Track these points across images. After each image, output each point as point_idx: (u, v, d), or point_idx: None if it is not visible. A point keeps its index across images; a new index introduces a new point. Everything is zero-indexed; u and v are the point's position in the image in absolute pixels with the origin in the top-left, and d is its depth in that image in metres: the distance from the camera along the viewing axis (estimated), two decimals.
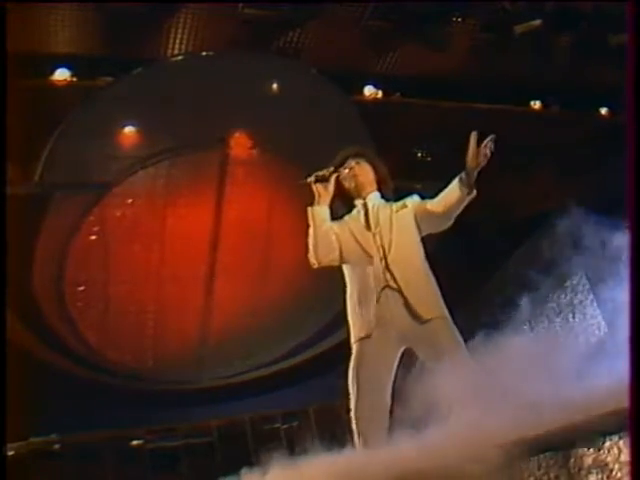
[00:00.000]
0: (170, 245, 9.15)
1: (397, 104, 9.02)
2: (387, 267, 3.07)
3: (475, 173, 3.02)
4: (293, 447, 2.58)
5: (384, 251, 3.10)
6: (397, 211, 3.20)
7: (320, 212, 3.18)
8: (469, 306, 7.68)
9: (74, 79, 7.93)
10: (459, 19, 8.23)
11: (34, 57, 7.47)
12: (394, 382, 3.02)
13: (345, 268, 3.21)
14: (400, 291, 3.03)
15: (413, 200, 3.25)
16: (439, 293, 3.10)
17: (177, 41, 8.00)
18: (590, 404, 2.02)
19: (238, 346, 9.42)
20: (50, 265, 8.70)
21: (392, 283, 3.05)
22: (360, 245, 3.15)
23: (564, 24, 8.46)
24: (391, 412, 2.96)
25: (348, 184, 3.27)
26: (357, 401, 2.99)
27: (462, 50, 8.69)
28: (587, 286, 7.89)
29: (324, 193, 3.19)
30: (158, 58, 8.15)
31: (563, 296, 8.10)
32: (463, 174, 3.03)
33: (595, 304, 7.58)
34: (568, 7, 8.43)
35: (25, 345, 8.18)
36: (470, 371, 2.73)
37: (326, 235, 3.15)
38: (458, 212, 3.10)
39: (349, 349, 3.10)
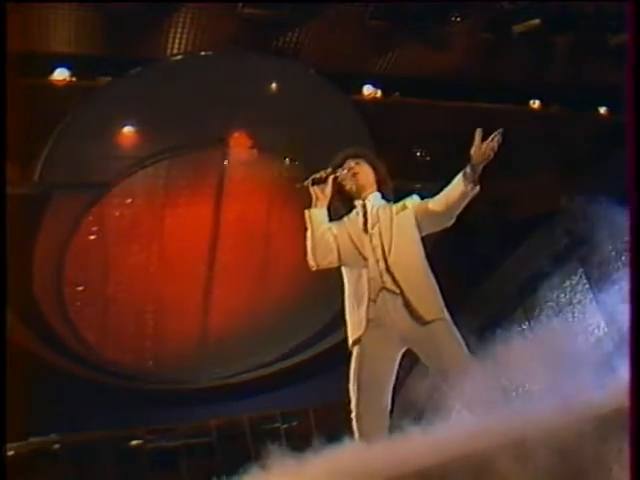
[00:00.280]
0: (169, 245, 9.15)
1: (396, 104, 9.02)
2: (388, 269, 3.07)
3: (480, 168, 3.01)
4: (293, 447, 2.57)
5: (384, 253, 3.09)
6: (397, 213, 3.18)
7: (317, 215, 3.18)
8: (469, 306, 7.69)
9: (73, 79, 7.93)
10: (459, 19, 8.23)
11: (34, 57, 7.46)
12: (394, 382, 3.03)
13: (343, 269, 3.21)
14: (402, 292, 3.03)
15: (413, 200, 3.24)
16: (440, 294, 3.10)
17: (177, 41, 8.00)
18: (590, 404, 2.02)
19: (237, 346, 9.42)
20: (49, 265, 8.71)
21: (391, 285, 3.05)
22: (356, 247, 3.15)
23: (564, 24, 8.46)
24: (391, 412, 2.97)
25: (348, 185, 3.26)
26: (357, 401, 2.99)
27: (461, 50, 8.69)
28: (587, 286, 7.90)
29: (321, 196, 3.19)
30: (158, 58, 8.16)
31: (563, 296, 8.11)
32: (467, 169, 3.02)
33: (595, 304, 7.58)
34: (568, 7, 8.44)
35: (25, 345, 8.17)
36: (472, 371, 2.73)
37: (323, 238, 3.15)
38: (461, 209, 3.10)
39: (348, 349, 3.10)
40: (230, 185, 9.08)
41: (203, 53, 8.15)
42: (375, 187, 3.29)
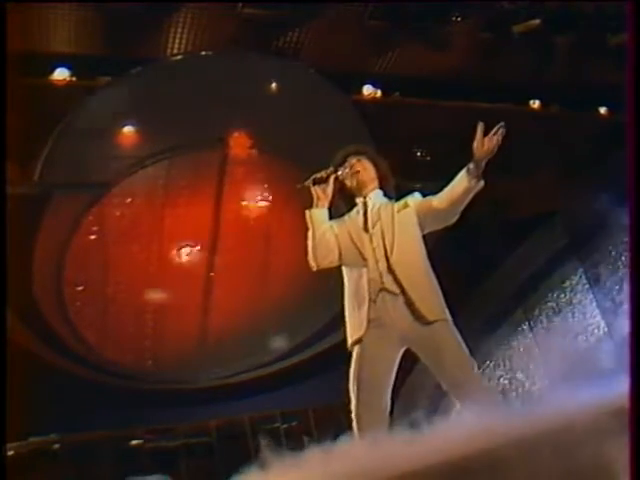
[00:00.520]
0: (169, 245, 9.14)
1: (396, 104, 9.02)
2: (389, 268, 3.06)
3: (483, 164, 3.01)
4: (292, 447, 2.57)
5: (386, 252, 3.08)
6: (399, 211, 3.17)
7: (318, 215, 3.17)
8: (469, 306, 7.68)
9: (73, 79, 7.94)
10: (459, 19, 8.23)
11: (34, 56, 7.46)
12: (394, 382, 3.03)
13: (344, 269, 3.20)
14: (404, 292, 3.02)
15: (415, 198, 3.23)
16: (441, 294, 3.10)
17: (176, 41, 8.01)
18: (590, 404, 2.02)
19: (237, 346, 9.41)
20: (49, 265, 8.70)
21: (391, 286, 3.03)
22: (356, 247, 3.14)
23: (564, 24, 8.47)
24: (391, 412, 2.97)
25: (349, 182, 3.25)
26: (357, 401, 2.99)
27: (461, 50, 8.70)
28: (587, 286, 7.89)
29: (322, 196, 3.18)
30: (157, 58, 8.16)
31: (563, 296, 8.11)
32: (471, 164, 3.01)
33: (595, 304, 7.58)
34: (568, 7, 8.44)
35: (25, 345, 8.16)
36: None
37: (324, 238, 3.14)
38: (464, 205, 3.09)
39: (348, 349, 3.10)
40: (230, 185, 9.08)
41: (203, 53, 8.15)
42: (377, 184, 3.28)
